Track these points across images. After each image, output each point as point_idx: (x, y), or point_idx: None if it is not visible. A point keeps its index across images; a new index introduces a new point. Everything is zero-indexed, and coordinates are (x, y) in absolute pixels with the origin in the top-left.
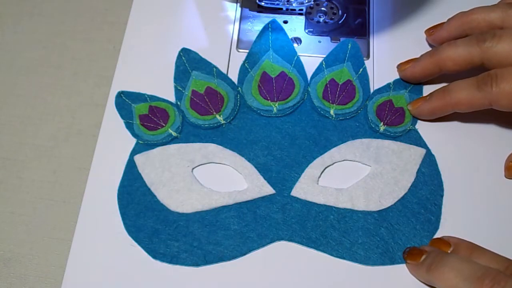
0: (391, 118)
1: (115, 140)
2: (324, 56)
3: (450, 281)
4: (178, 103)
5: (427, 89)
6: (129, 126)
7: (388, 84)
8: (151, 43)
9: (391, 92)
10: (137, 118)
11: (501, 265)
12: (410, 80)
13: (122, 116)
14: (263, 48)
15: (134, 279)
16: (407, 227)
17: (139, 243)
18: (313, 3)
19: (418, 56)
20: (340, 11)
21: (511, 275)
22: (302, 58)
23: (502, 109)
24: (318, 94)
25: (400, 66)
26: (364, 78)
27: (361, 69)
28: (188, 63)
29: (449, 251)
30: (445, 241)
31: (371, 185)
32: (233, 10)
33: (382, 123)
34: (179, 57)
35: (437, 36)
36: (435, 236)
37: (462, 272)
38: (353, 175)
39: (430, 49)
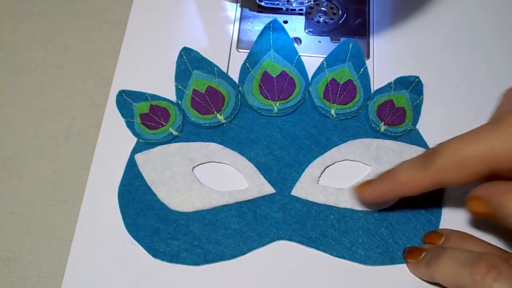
0: (392, 118)
1: (115, 140)
2: (324, 56)
3: (447, 270)
4: (179, 102)
5: (428, 89)
6: (130, 125)
7: (389, 84)
8: (151, 43)
9: (392, 92)
10: (138, 117)
11: (494, 253)
12: (367, 204)
13: (123, 115)
14: (264, 48)
15: (134, 278)
16: (407, 227)
17: (139, 242)
18: (313, 3)
19: (417, 55)
20: (340, 11)
21: (505, 260)
22: (302, 58)
23: (453, 185)
24: (319, 94)
25: (356, 188)
26: (365, 78)
27: (362, 69)
28: (189, 62)
29: (441, 242)
30: (437, 233)
31: None
32: (233, 10)
33: (382, 123)
34: (180, 56)
35: (364, 194)
36: None
37: (458, 259)
38: (354, 175)
39: (430, 49)
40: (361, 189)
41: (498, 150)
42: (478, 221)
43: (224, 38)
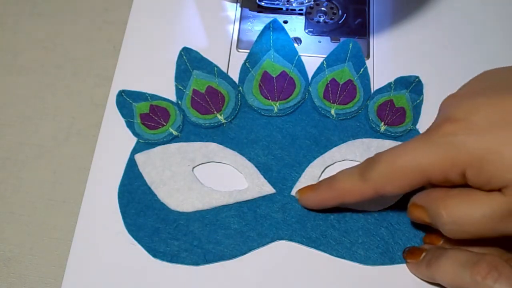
0: (392, 118)
1: (115, 140)
2: (324, 56)
3: (448, 271)
4: (179, 102)
5: (428, 89)
6: (130, 125)
7: (389, 84)
8: (151, 43)
9: (392, 92)
10: (138, 117)
11: (494, 254)
12: (309, 208)
13: (123, 115)
14: (264, 48)
15: (134, 278)
16: (407, 227)
17: (139, 242)
18: (313, 3)
19: (417, 55)
20: (340, 11)
21: (506, 261)
22: (302, 58)
23: (390, 194)
24: (319, 94)
25: (300, 193)
26: (365, 78)
27: (362, 69)
28: (189, 62)
29: (441, 242)
30: (436, 235)
31: None
32: (233, 10)
33: (382, 123)
34: (180, 56)
35: (307, 200)
36: None
37: (459, 260)
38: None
39: (430, 49)
40: (303, 193)
41: (429, 161)
42: None
43: (224, 38)
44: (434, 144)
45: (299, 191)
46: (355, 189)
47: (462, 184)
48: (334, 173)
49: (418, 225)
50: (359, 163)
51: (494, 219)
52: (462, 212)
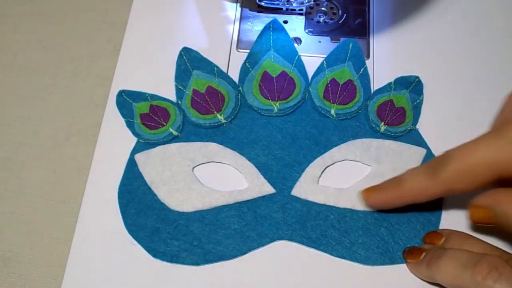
0: (392, 118)
1: (115, 140)
2: (324, 56)
3: (448, 271)
4: (179, 102)
5: (428, 89)
6: (130, 125)
7: (389, 84)
8: (151, 43)
9: (392, 92)
10: (138, 117)
11: (495, 254)
12: (374, 209)
13: (123, 115)
14: (264, 48)
15: (134, 278)
16: (407, 227)
17: (139, 242)
18: (313, 3)
19: (417, 55)
20: (340, 11)
21: (506, 261)
22: (302, 58)
23: (461, 193)
24: (319, 94)
25: (363, 193)
26: (365, 78)
27: (362, 69)
28: (189, 62)
29: (441, 242)
30: (437, 233)
31: (372, 185)
32: (233, 10)
33: (382, 123)
34: (180, 56)
35: (372, 200)
36: None
37: (459, 260)
38: (354, 175)
39: (430, 49)
40: (368, 194)
41: (503, 156)
42: None
43: (224, 38)
44: (507, 139)
45: (363, 192)
46: (425, 188)
47: None
48: (334, 173)
49: (418, 225)
50: (359, 163)
51: None
52: None
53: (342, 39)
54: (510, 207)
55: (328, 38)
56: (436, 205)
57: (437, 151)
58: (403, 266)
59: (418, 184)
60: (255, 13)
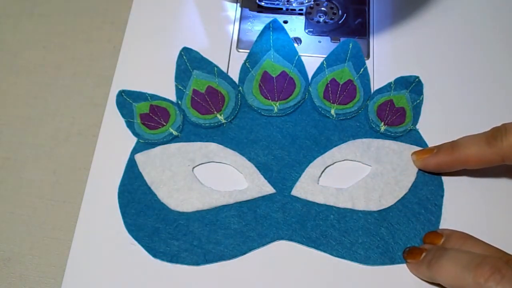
0: (392, 118)
1: (115, 140)
2: (324, 56)
3: (450, 272)
4: (179, 102)
5: (428, 89)
6: (130, 125)
7: (389, 84)
8: (151, 43)
9: (392, 92)
10: (138, 117)
11: (495, 255)
12: (426, 170)
13: (123, 115)
14: (264, 48)
15: (134, 278)
16: (407, 227)
17: (139, 242)
18: (313, 3)
19: (417, 55)
20: (340, 11)
21: (507, 263)
22: (302, 58)
23: None
24: (319, 94)
25: (417, 155)
26: (365, 78)
27: (362, 69)
28: (189, 62)
29: (441, 242)
30: (437, 233)
31: (372, 185)
32: (233, 10)
33: (382, 123)
34: (180, 56)
35: (426, 162)
36: None
37: (461, 261)
38: (354, 175)
39: (430, 49)
40: (421, 155)
41: None
42: (478, 222)
43: (224, 38)
44: None
45: (416, 153)
46: (481, 155)
47: None
48: (334, 173)
49: (418, 225)
50: (359, 163)
51: None
52: None
53: (342, 39)
54: None
55: (328, 38)
56: (436, 205)
57: None
58: (403, 266)
59: (475, 151)
60: (255, 13)
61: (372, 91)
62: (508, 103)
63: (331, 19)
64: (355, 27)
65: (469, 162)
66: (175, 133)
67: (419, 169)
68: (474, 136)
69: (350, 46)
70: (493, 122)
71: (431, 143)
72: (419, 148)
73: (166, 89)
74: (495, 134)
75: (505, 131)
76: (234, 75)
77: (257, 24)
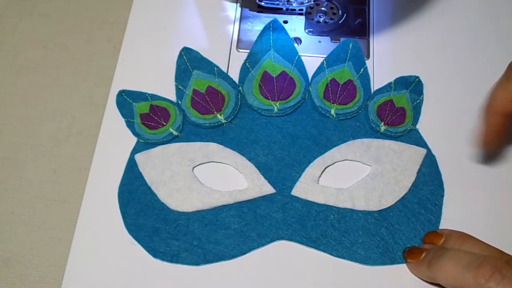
0: (392, 118)
1: (115, 140)
2: (324, 56)
3: (450, 272)
4: (179, 102)
5: (428, 89)
6: (130, 125)
7: (389, 84)
8: (151, 43)
9: (392, 92)
10: (138, 117)
11: (495, 255)
12: (493, 147)
13: (123, 115)
14: (264, 48)
15: (134, 278)
16: (407, 227)
17: (139, 242)
18: (313, 3)
19: (417, 55)
20: (340, 11)
21: (507, 263)
22: (302, 58)
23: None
24: (319, 94)
25: (480, 144)
26: (365, 78)
27: (362, 69)
28: (189, 62)
29: (441, 242)
30: (436, 233)
31: (372, 185)
32: (233, 10)
33: (382, 123)
34: (180, 56)
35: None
36: None
37: (461, 261)
38: (354, 175)
39: (430, 49)
40: (481, 141)
41: None
42: (478, 222)
43: (224, 38)
44: None
45: (479, 143)
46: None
47: None
48: (334, 173)
49: (418, 225)
50: (359, 163)
51: None
52: None
53: (342, 39)
54: None
55: (328, 38)
56: (436, 205)
57: (437, 151)
58: (403, 266)
59: (502, 96)
60: (255, 13)
61: (372, 91)
62: None
63: (331, 19)
64: (355, 27)
65: (504, 106)
66: (175, 133)
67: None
68: (496, 83)
69: (350, 46)
70: None
71: (431, 143)
72: (420, 148)
73: (166, 89)
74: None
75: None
76: (234, 75)
77: (257, 24)
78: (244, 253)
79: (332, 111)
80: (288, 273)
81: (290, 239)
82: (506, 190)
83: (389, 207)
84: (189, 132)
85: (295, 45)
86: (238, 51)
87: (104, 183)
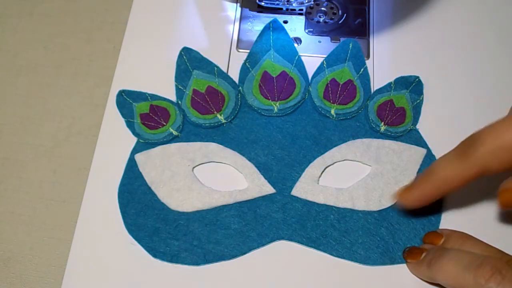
0: (392, 118)
1: (115, 140)
2: (324, 56)
3: (450, 272)
4: (179, 102)
5: (428, 89)
6: (130, 125)
7: (389, 84)
8: (151, 43)
9: (392, 92)
10: (138, 117)
11: (495, 255)
12: (410, 207)
13: (123, 115)
14: (264, 48)
15: (134, 278)
16: (407, 227)
17: (139, 242)
18: (313, 3)
19: (417, 55)
20: (340, 11)
21: (507, 263)
22: (302, 58)
23: (495, 173)
24: (319, 94)
25: (397, 195)
26: (365, 78)
27: (362, 69)
28: (189, 62)
29: (441, 242)
30: (437, 233)
31: (372, 185)
32: (233, 10)
33: (382, 123)
34: (180, 56)
35: (406, 198)
36: None
37: (461, 261)
38: (354, 175)
39: (430, 49)
40: (404, 196)
41: None
42: (478, 222)
43: (224, 38)
44: None
45: (398, 195)
46: (458, 173)
47: None
48: (334, 173)
49: (418, 225)
50: (359, 163)
51: None
52: None
53: (342, 39)
54: None
55: (328, 38)
56: (436, 205)
57: (437, 151)
58: (403, 266)
59: (451, 171)
60: (255, 13)
61: (372, 91)
62: (508, 103)
63: (331, 19)
64: (355, 27)
65: (448, 185)
66: (175, 133)
67: (404, 208)
68: (447, 155)
69: (350, 46)
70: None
71: (431, 143)
72: (420, 148)
73: (166, 89)
74: (466, 147)
75: (476, 141)
76: (234, 75)
77: (257, 24)
78: (244, 253)
79: (332, 111)
80: (288, 273)
81: (290, 239)
82: None
83: (389, 207)
84: (189, 132)
85: (295, 45)
86: (238, 51)
87: (104, 183)
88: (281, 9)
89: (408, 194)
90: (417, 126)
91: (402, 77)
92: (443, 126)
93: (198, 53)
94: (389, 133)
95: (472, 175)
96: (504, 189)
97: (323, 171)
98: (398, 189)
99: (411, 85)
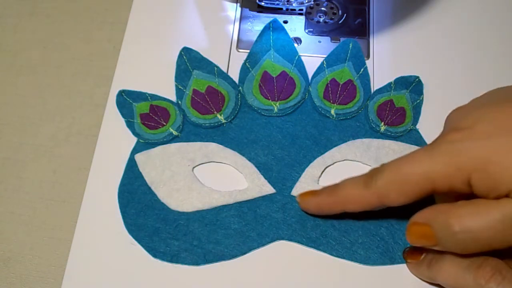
0: (392, 118)
1: (115, 140)
2: (324, 56)
3: (450, 272)
4: (179, 102)
5: (428, 89)
6: (130, 125)
7: (389, 84)
8: (151, 43)
9: (392, 92)
10: (138, 117)
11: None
12: (308, 212)
13: (123, 115)
14: (264, 48)
15: (134, 278)
16: None
17: (139, 242)
18: (313, 3)
19: (417, 55)
20: (340, 11)
21: (507, 264)
22: (302, 58)
23: (397, 203)
24: (319, 94)
25: (300, 196)
26: (365, 78)
27: (362, 69)
28: (189, 62)
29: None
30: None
31: None
32: (233, 10)
33: (382, 123)
34: (180, 56)
35: (306, 202)
36: None
37: (461, 262)
38: (354, 175)
39: (430, 49)
40: (305, 198)
41: (435, 167)
42: None
43: (224, 38)
44: (439, 151)
45: (300, 194)
46: (359, 196)
47: (468, 194)
48: (334, 173)
49: None
50: (359, 163)
51: (506, 224)
52: (473, 219)
53: (342, 39)
54: (450, 216)
55: (328, 38)
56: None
57: None
58: (403, 266)
59: (353, 192)
60: (255, 13)
61: (372, 91)
62: None
63: (331, 19)
64: (355, 27)
65: (348, 204)
66: (175, 133)
67: (303, 211)
68: (355, 177)
69: (350, 46)
70: None
71: None
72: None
73: (166, 89)
74: (372, 174)
75: (379, 171)
76: (234, 75)
77: (257, 24)
78: (244, 253)
79: (332, 111)
80: (288, 273)
81: (290, 239)
82: None
83: (389, 207)
84: (189, 132)
85: (295, 45)
86: (238, 51)
87: (104, 183)
88: (281, 9)
89: (310, 199)
90: (417, 126)
91: (402, 77)
92: (443, 126)
93: (198, 53)
94: (389, 133)
95: (372, 202)
96: (412, 224)
97: (323, 171)
98: (303, 191)
99: (411, 85)
